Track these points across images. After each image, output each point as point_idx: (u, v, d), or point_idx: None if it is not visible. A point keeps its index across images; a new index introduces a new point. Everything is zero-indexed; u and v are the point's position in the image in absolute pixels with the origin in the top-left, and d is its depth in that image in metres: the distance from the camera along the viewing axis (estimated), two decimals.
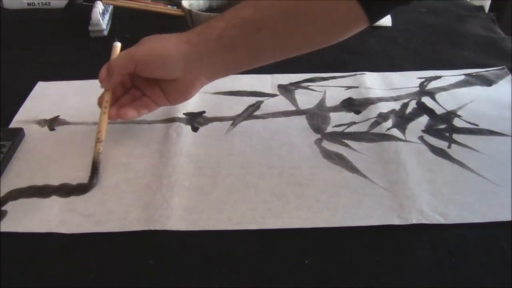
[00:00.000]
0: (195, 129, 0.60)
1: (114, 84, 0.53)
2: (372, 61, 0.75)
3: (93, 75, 0.71)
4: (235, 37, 0.48)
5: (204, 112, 0.63)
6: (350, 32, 0.50)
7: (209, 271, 0.42)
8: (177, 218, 0.47)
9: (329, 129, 0.60)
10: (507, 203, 0.48)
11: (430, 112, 0.62)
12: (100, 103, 0.54)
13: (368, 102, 0.64)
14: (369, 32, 0.84)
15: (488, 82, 0.69)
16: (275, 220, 0.47)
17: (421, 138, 0.58)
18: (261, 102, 0.65)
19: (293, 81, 0.69)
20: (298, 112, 0.63)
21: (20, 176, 0.53)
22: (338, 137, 0.58)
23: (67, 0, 0.98)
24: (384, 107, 0.63)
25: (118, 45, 0.60)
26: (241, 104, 0.64)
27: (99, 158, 0.53)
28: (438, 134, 0.58)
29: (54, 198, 0.50)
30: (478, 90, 0.67)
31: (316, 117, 0.62)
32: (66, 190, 0.50)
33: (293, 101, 0.65)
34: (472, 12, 0.93)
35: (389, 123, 0.60)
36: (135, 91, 0.55)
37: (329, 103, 0.65)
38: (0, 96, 0.67)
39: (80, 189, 0.51)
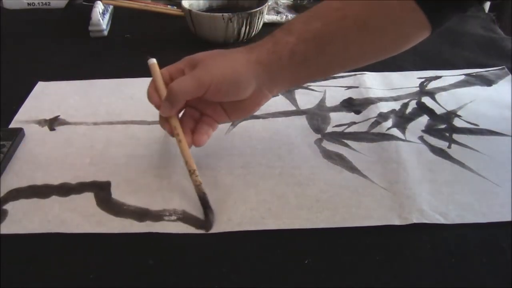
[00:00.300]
0: None
1: (178, 110, 0.49)
2: None
3: (93, 75, 0.72)
4: (306, 52, 0.46)
5: None
6: (415, 41, 0.49)
7: (209, 271, 0.42)
8: (178, 220, 0.47)
9: (329, 129, 0.60)
10: (507, 203, 0.48)
11: (430, 112, 0.62)
12: (169, 132, 0.49)
13: (368, 102, 0.64)
14: None
15: (488, 82, 0.69)
16: (275, 221, 0.47)
17: (421, 138, 0.58)
18: None
19: None
20: (298, 112, 0.63)
21: (20, 176, 0.53)
22: (338, 137, 0.58)
23: (67, 0, 0.98)
24: (384, 107, 0.63)
25: (155, 62, 0.51)
26: None
27: (203, 190, 0.48)
28: (438, 134, 0.58)
29: (54, 198, 0.50)
30: (478, 90, 0.67)
31: (316, 117, 0.62)
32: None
33: (293, 101, 0.65)
34: (472, 12, 0.93)
35: (389, 123, 0.60)
36: (192, 111, 0.51)
37: (329, 103, 0.65)
38: (0, 96, 0.67)
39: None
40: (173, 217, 0.47)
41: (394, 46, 0.49)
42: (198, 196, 0.48)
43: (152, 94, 0.49)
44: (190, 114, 0.51)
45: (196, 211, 0.48)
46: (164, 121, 0.49)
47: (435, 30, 0.47)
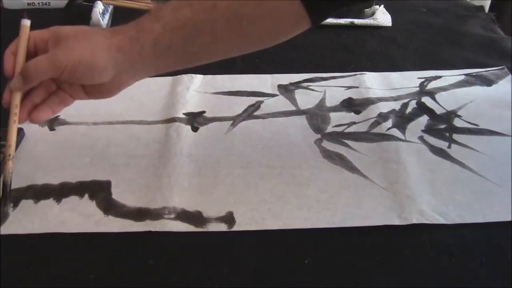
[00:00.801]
0: (195, 129, 0.60)
1: (28, 88, 0.46)
2: (372, 61, 0.75)
3: None
4: (172, 42, 0.44)
5: (204, 112, 0.63)
6: (292, 33, 0.47)
7: (209, 271, 0.42)
8: (177, 219, 0.47)
9: (329, 129, 0.60)
10: (507, 203, 0.48)
11: (430, 112, 0.62)
12: (6, 103, 0.46)
13: (368, 102, 0.64)
14: (369, 32, 0.84)
15: (488, 82, 0.69)
16: (275, 221, 0.47)
17: (421, 138, 0.58)
18: (261, 102, 0.65)
19: (293, 81, 0.69)
20: (298, 112, 0.63)
21: (20, 176, 0.52)
22: (338, 137, 0.58)
23: (67, 0, 0.98)
24: (384, 107, 0.63)
25: (27, 24, 0.47)
26: (241, 104, 0.64)
27: (11, 179, 0.47)
28: (438, 134, 0.58)
29: (54, 198, 0.50)
30: (478, 90, 0.67)
31: (316, 117, 0.62)
32: None
33: (293, 101, 0.65)
34: (472, 12, 0.93)
35: (389, 123, 0.60)
36: (50, 83, 0.47)
37: (329, 103, 0.65)
38: (0, 96, 0.67)
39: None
40: (173, 216, 0.47)
41: (269, 37, 0.47)
42: (3, 183, 0.47)
43: (8, 57, 0.46)
44: (46, 85, 0.47)
45: (196, 209, 0.48)
46: (6, 89, 0.46)
47: (316, 22, 0.45)
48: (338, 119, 0.61)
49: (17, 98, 0.45)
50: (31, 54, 0.46)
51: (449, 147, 0.56)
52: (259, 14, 0.45)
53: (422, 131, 0.59)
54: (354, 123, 0.61)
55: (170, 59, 0.47)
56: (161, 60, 0.46)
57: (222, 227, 0.46)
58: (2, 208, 0.47)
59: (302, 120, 0.61)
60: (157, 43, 0.44)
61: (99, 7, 0.86)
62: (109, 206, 0.49)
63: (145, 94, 0.66)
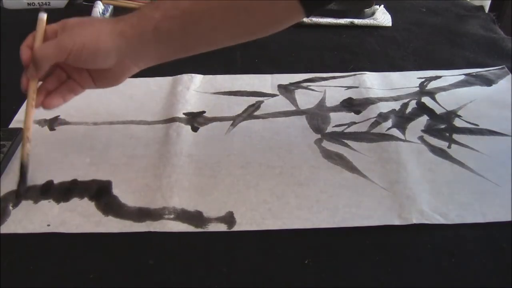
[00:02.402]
0: (195, 129, 0.60)
1: (41, 75, 0.49)
2: (372, 61, 0.75)
3: None
4: (171, 29, 0.47)
5: (204, 112, 0.63)
6: (286, 24, 0.49)
7: (209, 271, 0.42)
8: (177, 219, 0.47)
9: (329, 129, 0.60)
10: (507, 203, 0.48)
11: (430, 112, 0.62)
12: (24, 89, 0.50)
13: (368, 102, 0.64)
14: (369, 32, 0.84)
15: (488, 82, 0.69)
16: (275, 221, 0.47)
17: (421, 138, 0.58)
18: (261, 102, 0.65)
19: (293, 81, 0.69)
20: (298, 112, 0.63)
21: None
22: (338, 137, 0.58)
23: (67, 0, 0.98)
24: (384, 107, 0.63)
25: (44, 17, 0.51)
26: (241, 104, 0.64)
27: (28, 161, 0.50)
28: (438, 134, 0.58)
29: (54, 198, 0.50)
30: (478, 90, 0.67)
31: (316, 117, 0.62)
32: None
33: (293, 101, 0.65)
34: (472, 12, 0.93)
35: (389, 123, 0.60)
36: (60, 72, 0.51)
37: (329, 103, 0.65)
38: (0, 96, 0.67)
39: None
40: (173, 216, 0.47)
41: (264, 27, 0.49)
42: (21, 164, 0.50)
43: (25, 50, 0.49)
44: (58, 75, 0.51)
45: (196, 209, 0.48)
46: (23, 78, 0.50)
47: (309, 13, 0.47)
48: (338, 119, 0.61)
49: (33, 84, 0.49)
50: None
51: (449, 147, 0.56)
52: (254, 4, 0.46)
53: (422, 131, 0.59)
54: (354, 123, 0.61)
55: (170, 47, 0.49)
56: (161, 47, 0.48)
57: (222, 227, 0.46)
58: (20, 189, 0.49)
59: (302, 120, 0.61)
60: (157, 29, 0.47)
61: (99, 7, 0.86)
62: (109, 207, 0.49)
63: (145, 94, 0.66)
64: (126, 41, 0.47)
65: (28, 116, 0.49)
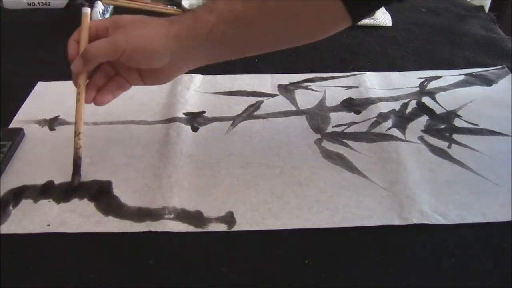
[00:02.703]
0: (195, 129, 0.60)
1: (90, 69, 0.49)
2: (372, 61, 0.75)
3: None
4: (225, 32, 0.47)
5: (204, 112, 0.63)
6: (333, 31, 0.50)
7: (209, 271, 0.42)
8: (177, 219, 0.47)
9: (329, 129, 0.60)
10: (507, 203, 0.48)
11: (430, 112, 0.62)
12: (75, 83, 0.50)
13: (368, 102, 0.64)
14: (369, 32, 0.84)
15: (488, 81, 0.69)
16: (275, 221, 0.47)
17: (421, 138, 0.58)
18: (261, 102, 0.65)
19: (293, 81, 0.69)
20: (298, 112, 0.63)
21: (20, 176, 0.52)
22: (338, 137, 0.58)
23: (67, 0, 0.98)
24: (384, 107, 0.63)
25: (88, 11, 0.51)
26: (241, 104, 0.64)
27: (80, 154, 0.51)
28: (438, 134, 0.58)
29: (54, 198, 0.50)
30: (478, 90, 0.67)
31: (316, 117, 0.62)
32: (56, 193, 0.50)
33: (293, 101, 0.65)
34: (472, 12, 0.93)
35: (389, 123, 0.60)
36: (109, 68, 0.51)
37: (329, 103, 0.65)
38: (0, 96, 0.67)
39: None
40: (173, 216, 0.47)
41: (312, 33, 0.50)
42: (74, 158, 0.50)
43: (72, 44, 0.49)
44: (105, 70, 0.51)
45: (196, 209, 0.48)
46: (75, 75, 0.50)
47: (356, 21, 0.48)
48: (338, 119, 0.61)
49: (82, 78, 0.49)
50: (92, 40, 0.49)
51: (449, 147, 0.56)
52: (304, 11, 0.47)
53: (422, 131, 0.59)
54: (354, 123, 0.61)
55: (222, 49, 0.50)
56: (214, 49, 0.49)
57: (222, 227, 0.46)
58: (73, 181, 0.51)
59: (302, 120, 0.61)
60: (212, 33, 0.47)
61: (99, 7, 0.86)
62: (109, 207, 0.49)
63: (145, 94, 0.66)
64: (180, 43, 0.47)
65: (78, 110, 0.50)
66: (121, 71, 0.51)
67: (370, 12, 0.50)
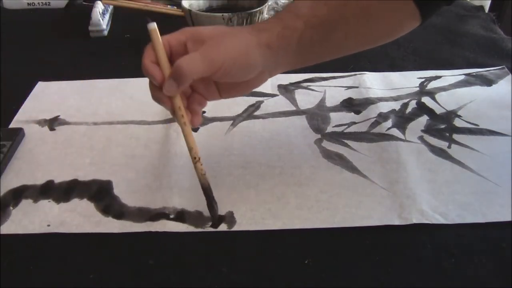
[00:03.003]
0: (195, 129, 0.60)
1: (183, 88, 0.44)
2: (372, 61, 0.75)
3: (93, 75, 0.72)
4: (312, 38, 0.46)
5: (204, 112, 0.63)
6: (406, 30, 0.51)
7: (209, 271, 0.42)
8: (177, 219, 0.47)
9: (329, 129, 0.60)
10: (507, 203, 0.48)
11: (430, 112, 0.62)
12: (170, 109, 0.45)
13: (368, 102, 0.64)
14: None
15: (488, 82, 0.69)
16: (275, 221, 0.47)
17: (421, 138, 0.58)
18: (261, 102, 0.65)
19: (293, 81, 0.69)
20: (298, 112, 0.63)
21: (20, 176, 0.53)
22: (338, 137, 0.58)
23: (67, 0, 0.98)
24: (384, 107, 0.63)
25: (155, 27, 0.44)
26: (241, 104, 0.64)
27: (208, 180, 0.46)
28: (438, 134, 0.58)
29: (54, 198, 0.50)
30: (478, 90, 0.67)
31: (316, 117, 0.62)
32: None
33: (293, 101, 0.65)
34: (472, 12, 0.93)
35: (389, 123, 0.60)
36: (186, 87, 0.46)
37: (329, 103, 0.65)
38: (0, 96, 0.67)
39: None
40: (173, 216, 0.47)
41: (389, 34, 0.51)
42: (202, 187, 0.46)
43: (152, 67, 0.44)
44: (184, 89, 0.47)
45: (196, 210, 0.48)
46: (162, 96, 0.45)
47: (425, 20, 0.49)
48: (338, 119, 0.61)
49: (178, 101, 0.44)
50: (168, 59, 0.44)
51: (449, 147, 0.56)
52: (382, 12, 0.47)
53: (422, 131, 0.59)
54: (354, 123, 0.61)
55: (308, 55, 0.48)
56: (301, 56, 0.48)
57: (222, 227, 0.46)
58: (213, 214, 0.47)
59: (302, 120, 0.61)
60: (302, 39, 0.46)
61: (99, 7, 0.86)
62: (109, 207, 0.49)
63: (145, 94, 0.65)
64: (271, 53, 0.45)
65: (188, 135, 0.45)
66: (199, 88, 0.47)
67: (438, 10, 0.50)
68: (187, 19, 0.81)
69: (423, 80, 0.70)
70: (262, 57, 0.45)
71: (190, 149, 0.45)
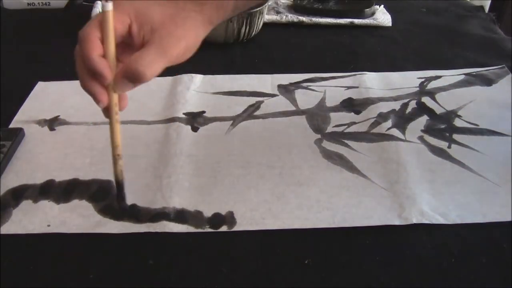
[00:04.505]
0: (195, 129, 0.60)
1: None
2: (372, 61, 0.75)
3: None
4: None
5: (204, 112, 0.63)
6: None
7: (209, 271, 0.42)
8: (177, 220, 0.47)
9: (329, 129, 0.60)
10: (507, 203, 0.48)
11: (430, 112, 0.62)
12: (104, 103, 0.41)
13: (368, 102, 0.64)
14: (369, 32, 0.84)
15: (488, 81, 0.69)
16: (275, 221, 0.47)
17: (421, 138, 0.58)
18: (261, 102, 0.65)
19: (293, 81, 0.69)
20: (298, 112, 0.63)
21: (20, 176, 0.52)
22: (338, 137, 0.58)
23: (67, 0, 0.98)
24: (384, 107, 0.63)
25: (110, 7, 0.39)
26: (241, 104, 0.64)
27: (123, 177, 0.44)
28: (438, 134, 0.58)
29: (54, 198, 0.49)
30: (478, 90, 0.67)
31: (316, 117, 0.62)
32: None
33: (293, 101, 0.65)
34: (472, 12, 0.93)
35: (389, 123, 0.60)
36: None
37: (329, 103, 0.65)
38: (0, 96, 0.67)
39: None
40: (173, 216, 0.47)
41: None
42: (116, 181, 0.43)
43: (101, 64, 0.39)
44: None
45: (196, 210, 0.48)
46: (97, 90, 0.40)
47: None
48: (338, 119, 0.61)
49: (115, 97, 0.41)
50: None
51: (449, 147, 0.56)
52: None
53: (422, 131, 0.59)
54: (354, 123, 0.61)
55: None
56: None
57: (222, 227, 0.46)
58: (120, 206, 0.45)
59: (302, 120, 0.61)
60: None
61: (99, 7, 0.86)
62: (109, 207, 0.48)
63: (145, 94, 0.66)
64: (213, 26, 0.45)
65: (115, 133, 0.42)
66: (125, 59, 0.42)
67: None
68: None
69: (423, 80, 0.70)
70: (206, 34, 0.44)
71: (116, 147, 0.43)
